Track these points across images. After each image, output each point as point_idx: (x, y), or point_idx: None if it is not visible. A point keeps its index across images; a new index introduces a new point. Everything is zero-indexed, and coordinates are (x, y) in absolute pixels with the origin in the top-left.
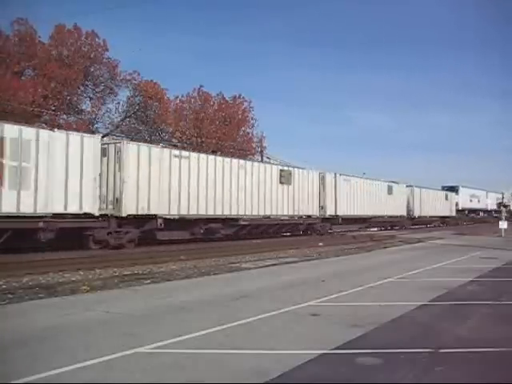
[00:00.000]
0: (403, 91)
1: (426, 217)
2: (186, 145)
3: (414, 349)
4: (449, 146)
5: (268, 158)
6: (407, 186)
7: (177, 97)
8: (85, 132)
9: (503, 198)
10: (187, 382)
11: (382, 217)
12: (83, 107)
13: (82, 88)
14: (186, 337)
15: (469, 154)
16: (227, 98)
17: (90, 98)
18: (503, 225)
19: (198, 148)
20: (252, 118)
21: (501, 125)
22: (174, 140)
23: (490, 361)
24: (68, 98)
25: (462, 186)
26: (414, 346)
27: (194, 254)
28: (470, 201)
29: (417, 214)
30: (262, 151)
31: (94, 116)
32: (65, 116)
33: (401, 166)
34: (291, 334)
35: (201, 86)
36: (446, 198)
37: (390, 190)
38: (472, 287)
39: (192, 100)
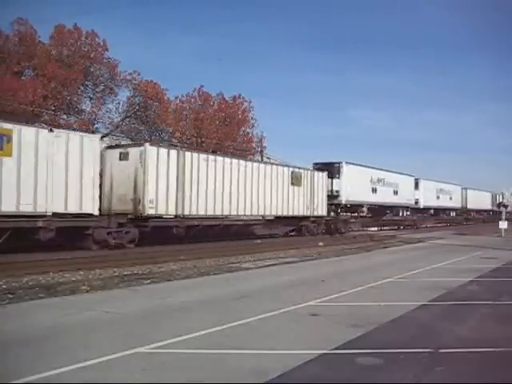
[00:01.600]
0: (403, 91)
1: (202, 218)
2: (186, 145)
3: (414, 349)
4: (448, 146)
5: (268, 158)
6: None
7: (177, 97)
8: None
9: (503, 197)
10: (187, 382)
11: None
12: (83, 107)
13: (82, 88)
14: (186, 337)
15: (467, 153)
16: (227, 98)
17: (90, 98)
18: (503, 225)
19: (198, 148)
20: (252, 118)
21: (498, 125)
22: (173, 140)
23: (490, 361)
24: (68, 97)
25: (349, 163)
26: (414, 346)
27: (193, 254)
28: (373, 191)
29: (169, 211)
30: (261, 151)
31: (94, 116)
32: (65, 116)
33: (400, 165)
34: (291, 334)
35: (201, 86)
36: (297, 183)
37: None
38: (472, 287)
39: (192, 100)
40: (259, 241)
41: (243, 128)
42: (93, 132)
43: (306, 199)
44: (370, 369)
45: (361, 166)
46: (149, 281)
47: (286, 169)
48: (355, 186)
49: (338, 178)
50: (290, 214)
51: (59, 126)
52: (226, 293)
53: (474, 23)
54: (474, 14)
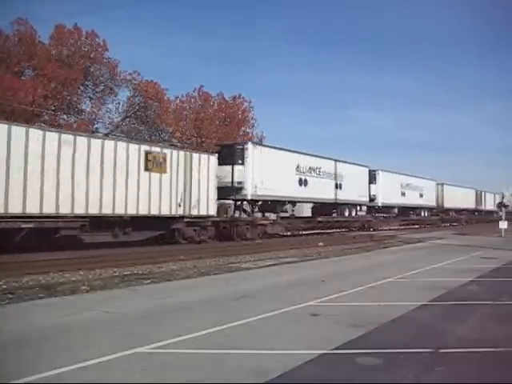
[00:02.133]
0: (402, 91)
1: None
2: (186, 145)
3: (414, 349)
4: (448, 146)
5: None
6: None
7: (177, 97)
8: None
9: (503, 197)
10: (187, 382)
11: None
12: (83, 107)
13: (82, 88)
14: (186, 337)
15: (467, 153)
16: (227, 98)
17: (90, 98)
18: (503, 225)
19: (198, 148)
20: (252, 118)
21: (497, 125)
22: (173, 140)
23: (490, 361)
24: (68, 97)
25: (256, 144)
26: (414, 346)
27: (193, 254)
28: (301, 183)
29: None
30: None
31: (94, 116)
32: (65, 116)
33: (400, 166)
34: (291, 334)
35: (201, 86)
36: (158, 168)
37: None
38: (472, 287)
39: (192, 100)
40: (260, 241)
41: (243, 128)
42: (92, 132)
43: (177, 192)
44: (370, 369)
45: (277, 148)
46: (149, 281)
47: (135, 147)
48: (269, 175)
49: (242, 164)
50: (145, 213)
51: (59, 126)
52: (226, 293)
53: (475, 22)
54: (475, 12)
